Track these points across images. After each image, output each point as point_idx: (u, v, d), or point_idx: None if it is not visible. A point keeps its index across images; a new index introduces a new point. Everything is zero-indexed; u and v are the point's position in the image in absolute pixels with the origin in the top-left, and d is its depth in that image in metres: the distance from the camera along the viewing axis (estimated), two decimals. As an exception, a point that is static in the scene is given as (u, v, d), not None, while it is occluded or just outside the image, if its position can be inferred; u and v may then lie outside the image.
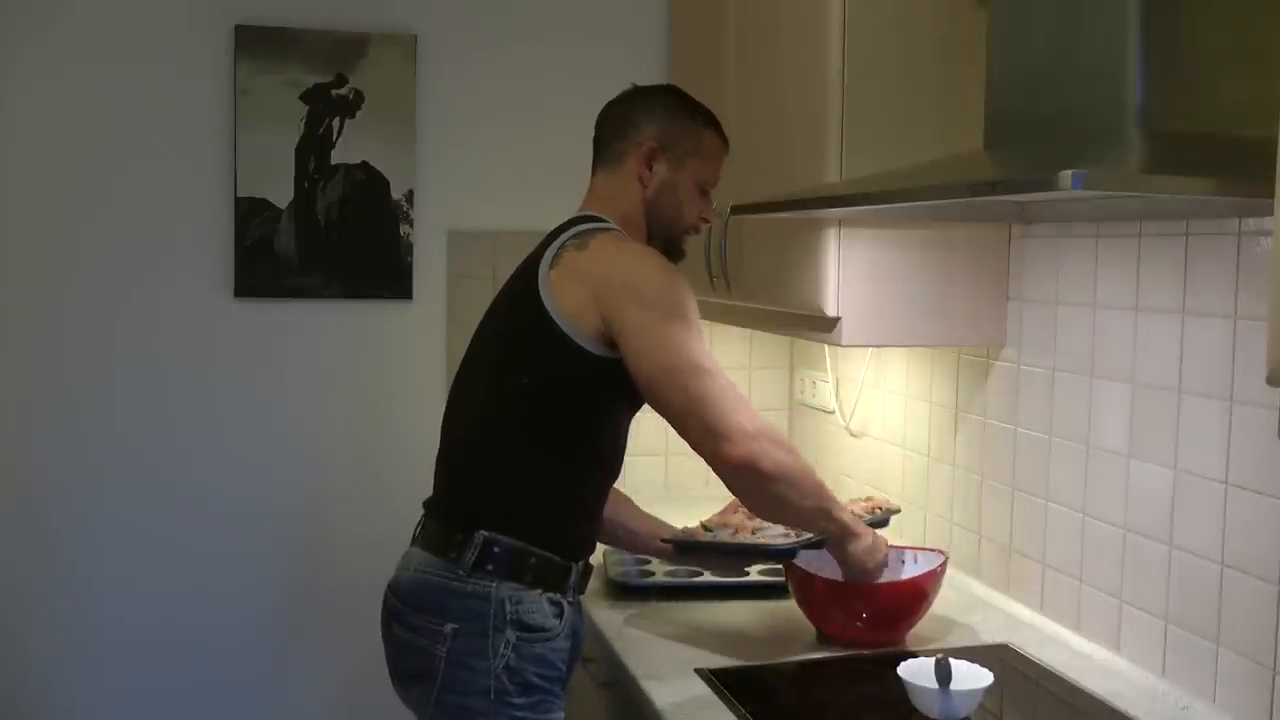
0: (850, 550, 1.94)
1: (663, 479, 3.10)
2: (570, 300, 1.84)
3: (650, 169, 1.99)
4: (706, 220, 2.08)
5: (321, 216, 3.03)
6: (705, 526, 2.18)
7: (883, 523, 2.19)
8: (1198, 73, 1.57)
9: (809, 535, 2.02)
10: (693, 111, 2.04)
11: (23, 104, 2.90)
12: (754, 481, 1.80)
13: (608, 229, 1.94)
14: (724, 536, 2.11)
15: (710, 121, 2.05)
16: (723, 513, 2.23)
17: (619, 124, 2.03)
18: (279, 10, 2.98)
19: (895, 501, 2.30)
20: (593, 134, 2.07)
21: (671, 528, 2.20)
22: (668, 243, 2.04)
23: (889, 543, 2.02)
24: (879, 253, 2.21)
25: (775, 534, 2.07)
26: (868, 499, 2.30)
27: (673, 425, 1.82)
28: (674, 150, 2.00)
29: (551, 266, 1.87)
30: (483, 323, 2.02)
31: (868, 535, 1.96)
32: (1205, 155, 1.50)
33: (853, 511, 2.03)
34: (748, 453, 1.75)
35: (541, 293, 1.86)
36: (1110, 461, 2.02)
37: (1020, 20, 1.80)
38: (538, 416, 1.89)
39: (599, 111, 2.07)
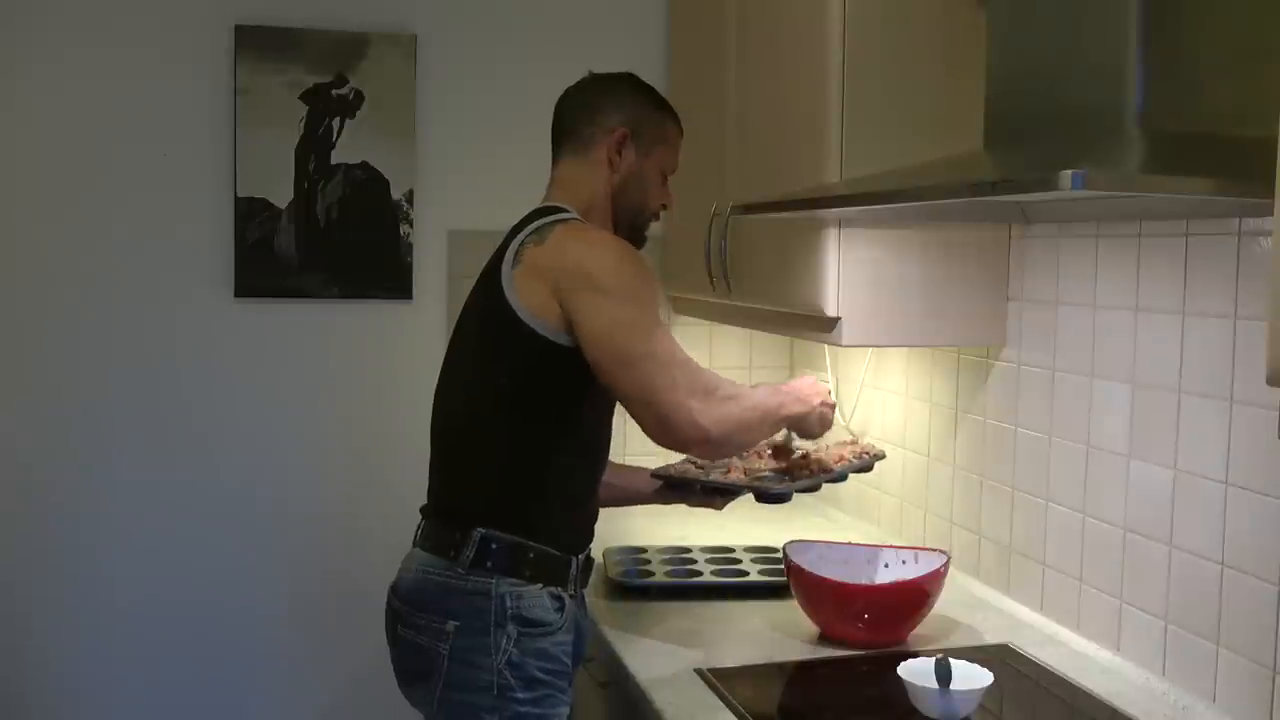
0: (804, 428, 2.10)
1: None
2: (534, 297, 1.85)
3: (619, 155, 2.01)
4: (666, 206, 2.10)
5: (321, 216, 3.03)
6: (695, 464, 2.19)
7: (867, 468, 2.24)
8: (1198, 73, 1.57)
9: (804, 481, 2.07)
10: (657, 100, 2.08)
11: (23, 104, 2.90)
12: (712, 449, 1.94)
13: (566, 219, 1.94)
14: (715, 474, 2.13)
15: (671, 110, 2.09)
16: None
17: (583, 110, 2.04)
18: (279, 10, 2.98)
19: (879, 446, 2.31)
20: (552, 124, 2.08)
21: (658, 467, 2.21)
22: (632, 229, 2.06)
23: (883, 548, 2.04)
24: (879, 253, 2.21)
25: (769, 476, 2.08)
26: (852, 441, 2.31)
27: (628, 412, 1.85)
28: (643, 137, 2.03)
29: (514, 265, 1.88)
30: (458, 324, 2.04)
31: (810, 409, 2.06)
32: (1205, 155, 1.50)
33: (840, 455, 2.20)
34: (698, 435, 1.83)
35: (507, 293, 1.87)
36: (1110, 461, 2.02)
37: (1020, 20, 1.80)
38: (519, 414, 1.90)
39: (558, 98, 2.08)
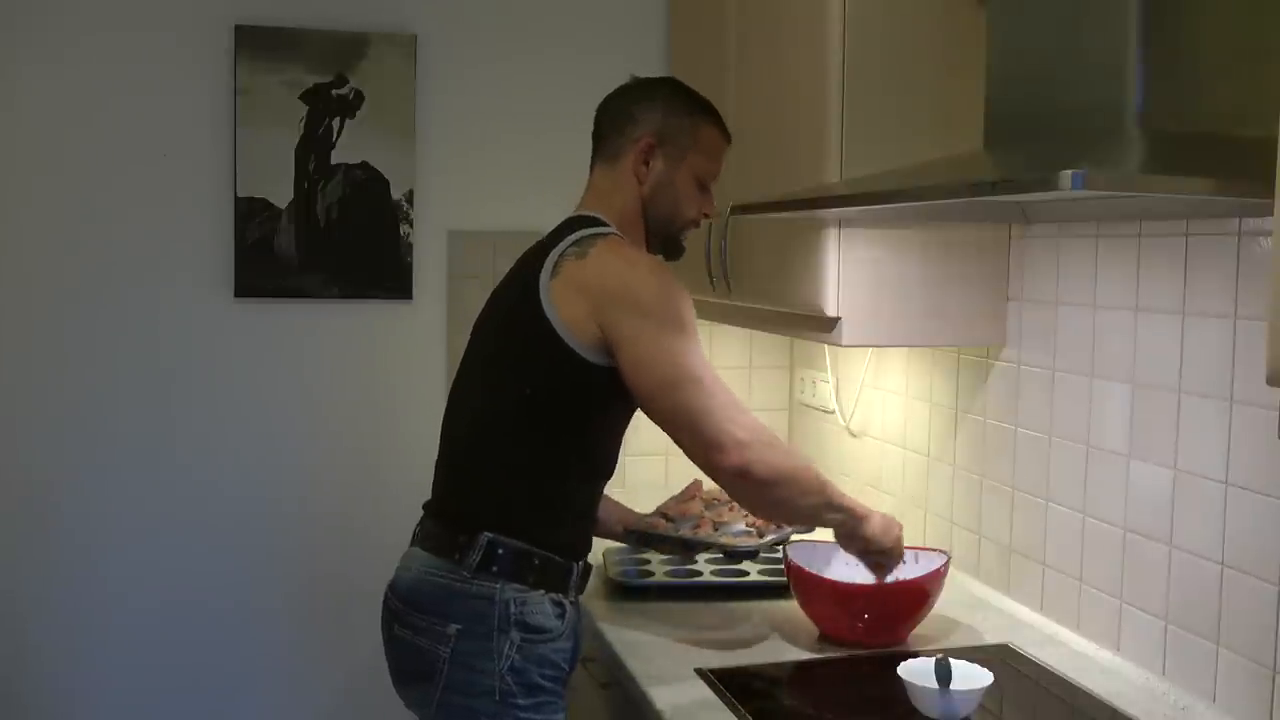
0: (864, 535, 1.94)
1: (663, 479, 3.10)
2: (571, 311, 1.84)
3: (647, 165, 1.99)
4: (707, 215, 2.07)
5: (321, 216, 3.03)
6: (666, 516, 2.20)
7: None
8: (1198, 73, 1.57)
9: (771, 535, 2.06)
10: (692, 105, 2.03)
11: (23, 104, 2.90)
12: (751, 488, 1.83)
13: (606, 234, 1.93)
14: (685, 529, 2.13)
15: (711, 114, 2.04)
16: (681, 500, 2.26)
17: (617, 118, 2.02)
18: (279, 10, 2.98)
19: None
20: (592, 130, 2.07)
21: (635, 514, 2.23)
22: (666, 239, 2.04)
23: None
24: (879, 253, 2.21)
25: (737, 530, 2.09)
26: None
27: (669, 435, 1.84)
28: (671, 145, 1.99)
29: (552, 276, 1.86)
30: (480, 325, 2.02)
31: (875, 515, 1.96)
32: (1205, 155, 1.50)
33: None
34: (742, 461, 1.78)
35: (543, 303, 1.85)
36: (1110, 461, 2.02)
37: (1020, 20, 1.80)
38: (538, 423, 1.89)
39: (599, 103, 2.07)
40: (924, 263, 2.23)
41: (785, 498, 1.85)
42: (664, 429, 1.84)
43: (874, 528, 1.95)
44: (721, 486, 1.89)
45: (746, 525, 2.12)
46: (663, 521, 2.19)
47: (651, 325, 1.82)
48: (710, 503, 2.24)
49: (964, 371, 2.46)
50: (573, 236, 1.91)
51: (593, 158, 2.06)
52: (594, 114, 2.07)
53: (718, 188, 2.08)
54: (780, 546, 2.17)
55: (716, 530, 2.13)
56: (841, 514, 1.92)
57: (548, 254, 1.90)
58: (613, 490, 2.12)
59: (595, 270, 1.86)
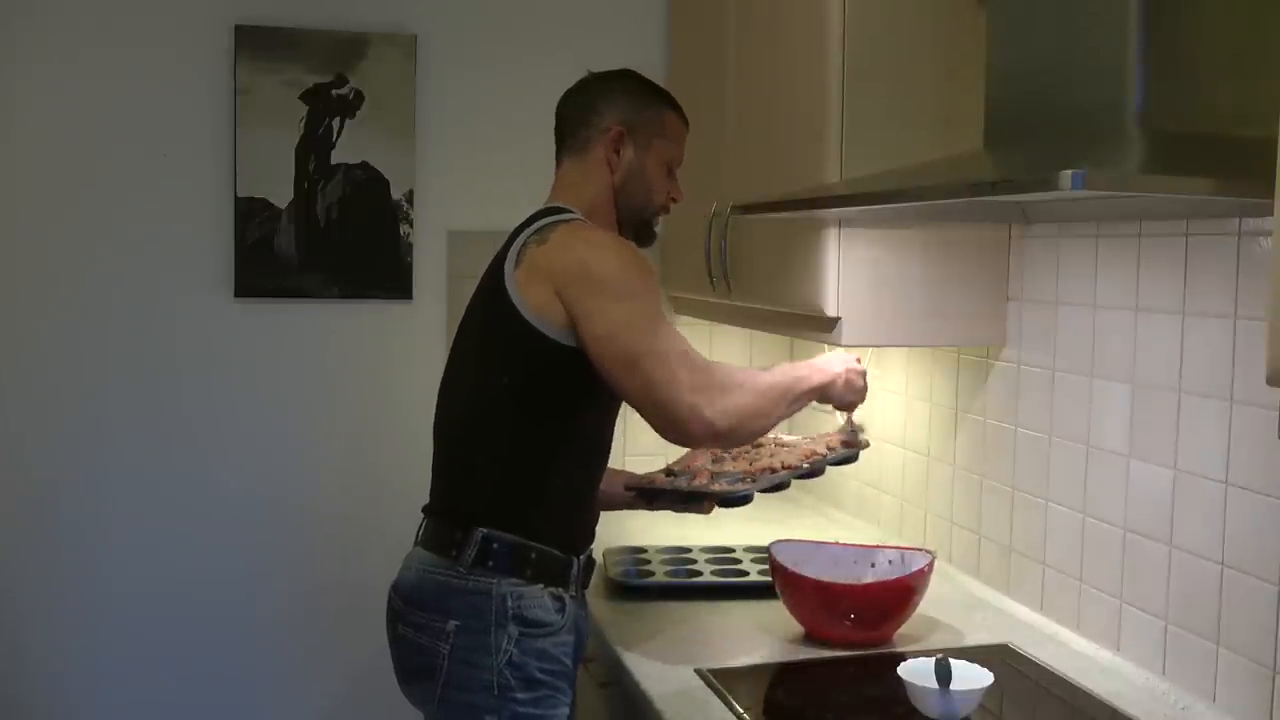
0: (833, 398, 2.10)
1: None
2: (537, 297, 1.85)
3: (618, 154, 2.01)
4: (675, 199, 2.09)
5: (321, 216, 3.03)
6: (670, 471, 2.18)
7: (850, 459, 2.21)
8: (1198, 73, 1.57)
9: (765, 481, 2.06)
10: (653, 93, 2.07)
11: (23, 104, 2.90)
12: (728, 440, 1.96)
13: (568, 219, 1.94)
14: (682, 481, 2.13)
15: (670, 102, 2.08)
16: (688, 455, 2.24)
17: (581, 112, 2.04)
18: (279, 10, 2.98)
19: (864, 436, 2.26)
20: (554, 127, 2.08)
21: (634, 474, 2.20)
22: (639, 225, 2.07)
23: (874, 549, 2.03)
24: (879, 253, 2.21)
25: (733, 479, 2.08)
26: (836, 432, 2.26)
27: (635, 410, 1.86)
28: (639, 133, 2.02)
29: (516, 265, 1.88)
30: (462, 324, 2.04)
31: (833, 376, 2.06)
32: (1205, 155, 1.50)
33: (811, 450, 2.16)
34: (704, 430, 1.82)
35: (509, 292, 1.87)
36: (1110, 461, 2.02)
37: (1020, 20, 1.80)
38: (522, 413, 1.90)
39: (558, 101, 2.08)
40: (924, 263, 2.23)
41: (757, 427, 1.93)
42: (631, 407, 1.86)
43: (836, 392, 2.08)
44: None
45: (744, 473, 2.11)
46: (661, 476, 2.17)
47: (608, 302, 1.83)
48: (717, 456, 2.22)
49: (964, 371, 2.46)
50: (534, 225, 1.94)
51: (558, 153, 2.08)
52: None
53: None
54: (775, 491, 2.13)
55: (713, 480, 2.12)
56: (807, 399, 2.04)
57: (512, 245, 1.93)
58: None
59: (554, 252, 1.87)
